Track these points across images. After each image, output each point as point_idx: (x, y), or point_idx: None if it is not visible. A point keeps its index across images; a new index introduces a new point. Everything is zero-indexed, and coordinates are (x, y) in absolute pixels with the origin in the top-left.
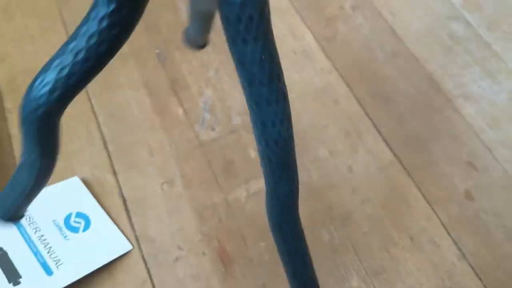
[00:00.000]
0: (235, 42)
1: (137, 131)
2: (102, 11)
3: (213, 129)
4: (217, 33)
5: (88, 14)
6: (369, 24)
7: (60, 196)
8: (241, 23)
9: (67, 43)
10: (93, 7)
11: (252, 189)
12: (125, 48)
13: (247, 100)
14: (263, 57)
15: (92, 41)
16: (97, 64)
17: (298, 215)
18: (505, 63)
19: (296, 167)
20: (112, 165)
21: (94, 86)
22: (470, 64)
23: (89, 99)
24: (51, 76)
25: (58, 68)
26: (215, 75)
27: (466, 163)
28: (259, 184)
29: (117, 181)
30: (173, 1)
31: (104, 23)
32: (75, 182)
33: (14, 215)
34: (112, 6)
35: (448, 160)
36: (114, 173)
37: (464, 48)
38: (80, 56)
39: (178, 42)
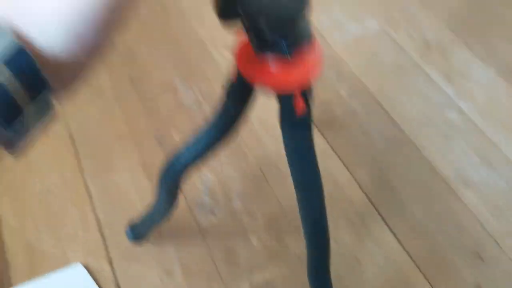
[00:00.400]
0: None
1: (134, 216)
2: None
3: (213, 214)
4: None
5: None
6: (366, 111)
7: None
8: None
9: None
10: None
11: (256, 280)
12: (123, 130)
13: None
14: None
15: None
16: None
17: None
18: (501, 151)
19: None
20: (107, 252)
21: (90, 167)
22: (467, 152)
23: (84, 181)
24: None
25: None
26: (214, 161)
27: (472, 254)
28: (265, 275)
29: (113, 270)
30: (172, 83)
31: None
32: (78, 269)
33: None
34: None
35: (454, 250)
36: (110, 261)
37: (461, 136)
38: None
39: (177, 123)
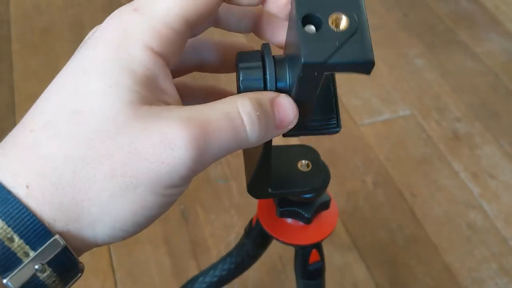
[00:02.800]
0: None
1: None
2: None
3: None
4: (242, 195)
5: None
6: (390, 203)
7: None
8: None
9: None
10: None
11: None
12: None
13: None
14: None
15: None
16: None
17: None
18: None
19: None
20: None
21: None
22: (487, 259)
23: (110, 253)
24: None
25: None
26: (236, 239)
27: None
28: None
29: None
30: None
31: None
32: None
33: None
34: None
35: None
36: None
37: (481, 240)
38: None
39: (203, 199)
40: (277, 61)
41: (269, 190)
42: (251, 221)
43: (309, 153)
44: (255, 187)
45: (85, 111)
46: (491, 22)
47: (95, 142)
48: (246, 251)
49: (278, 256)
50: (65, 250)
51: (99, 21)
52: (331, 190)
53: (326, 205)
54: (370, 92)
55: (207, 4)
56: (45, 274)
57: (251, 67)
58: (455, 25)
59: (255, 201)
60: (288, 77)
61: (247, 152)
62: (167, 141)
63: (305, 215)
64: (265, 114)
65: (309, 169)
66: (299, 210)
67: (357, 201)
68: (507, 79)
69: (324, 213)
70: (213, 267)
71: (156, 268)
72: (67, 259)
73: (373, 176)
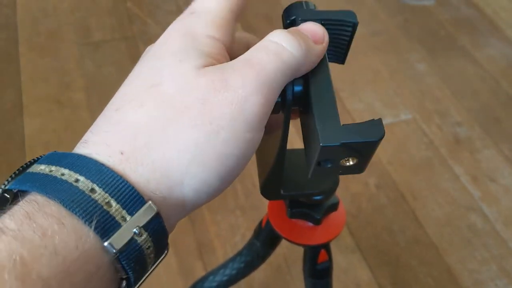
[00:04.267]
0: None
1: None
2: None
3: None
4: (248, 196)
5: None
6: (392, 206)
7: None
8: None
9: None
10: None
11: None
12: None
13: None
14: None
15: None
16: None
17: None
18: None
19: None
20: None
21: None
22: (487, 261)
23: None
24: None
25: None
26: (241, 240)
27: None
28: None
29: None
30: None
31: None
32: None
33: None
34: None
35: None
36: None
37: (482, 242)
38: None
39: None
40: None
41: (281, 191)
42: (260, 222)
43: None
44: (268, 189)
45: (161, 82)
46: (491, 28)
47: (173, 102)
48: (256, 251)
49: (283, 258)
50: (157, 216)
51: (105, 24)
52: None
53: (334, 207)
54: (372, 96)
55: None
56: (142, 237)
57: None
58: (456, 30)
59: (260, 203)
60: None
61: (261, 155)
62: (229, 85)
63: (316, 216)
64: (296, 33)
65: None
66: (309, 212)
67: (360, 203)
68: (507, 84)
69: (332, 215)
70: (224, 265)
71: (163, 268)
72: (159, 226)
73: (376, 179)
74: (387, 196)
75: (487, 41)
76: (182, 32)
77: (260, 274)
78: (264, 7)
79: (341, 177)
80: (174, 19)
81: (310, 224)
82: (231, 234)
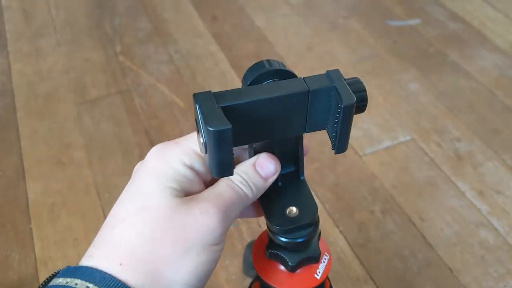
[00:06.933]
0: None
1: None
2: None
3: None
4: (254, 237)
5: None
6: (400, 230)
7: None
8: None
9: None
10: None
11: None
12: None
13: None
14: None
15: None
16: None
17: None
18: None
19: None
20: None
21: None
22: (503, 276)
23: None
24: None
25: None
26: None
27: None
28: None
29: None
30: None
31: None
32: None
33: None
34: None
35: None
36: None
37: (495, 258)
38: None
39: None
40: None
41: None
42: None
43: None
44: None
45: (149, 206)
46: (479, 40)
47: (159, 224)
48: None
49: None
50: None
51: (100, 80)
52: (341, 224)
53: (314, 259)
54: (369, 121)
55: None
56: None
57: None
58: (445, 46)
59: None
60: None
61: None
62: (204, 211)
63: (289, 262)
64: (250, 176)
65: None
66: (283, 256)
67: (368, 232)
68: (501, 94)
69: (316, 267)
70: None
71: None
72: None
73: (381, 205)
74: (394, 221)
75: (477, 53)
76: (161, 158)
77: None
78: (252, 45)
79: (345, 207)
80: (166, 68)
81: (286, 273)
82: (242, 278)
